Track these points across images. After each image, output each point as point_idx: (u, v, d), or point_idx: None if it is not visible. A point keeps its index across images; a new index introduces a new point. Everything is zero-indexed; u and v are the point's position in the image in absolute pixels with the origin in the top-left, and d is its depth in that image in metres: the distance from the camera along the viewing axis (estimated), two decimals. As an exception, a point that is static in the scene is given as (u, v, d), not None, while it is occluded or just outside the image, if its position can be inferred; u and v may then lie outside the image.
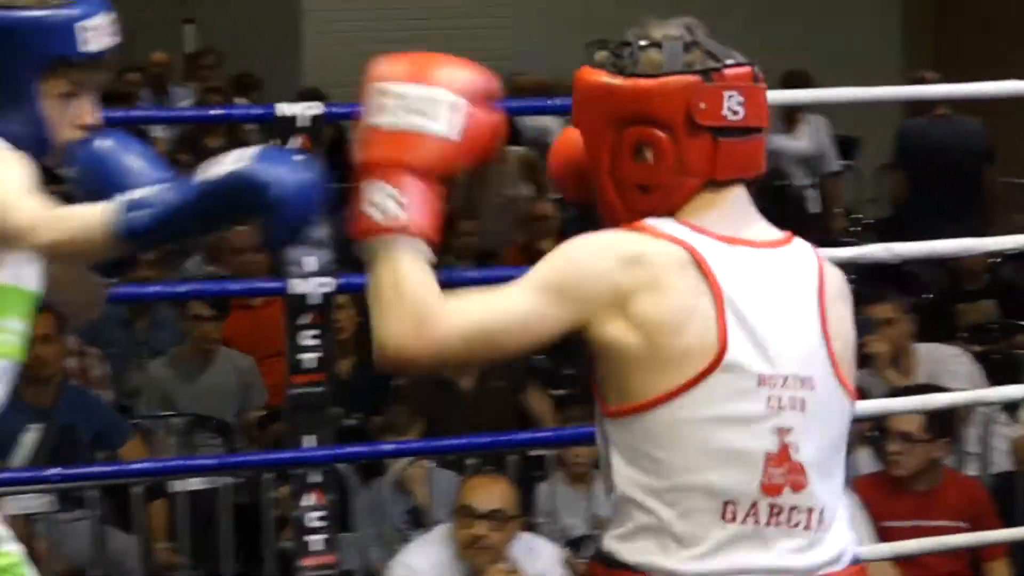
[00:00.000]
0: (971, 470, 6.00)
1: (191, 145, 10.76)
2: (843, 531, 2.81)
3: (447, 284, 2.70)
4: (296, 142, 4.53)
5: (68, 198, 3.31)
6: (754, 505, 2.71)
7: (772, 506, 2.72)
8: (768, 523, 2.72)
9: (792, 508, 2.73)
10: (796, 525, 2.73)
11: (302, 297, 4.52)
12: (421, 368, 2.76)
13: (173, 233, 3.08)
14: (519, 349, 2.74)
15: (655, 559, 2.71)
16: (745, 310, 2.72)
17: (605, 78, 2.78)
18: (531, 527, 5.91)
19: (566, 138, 3.05)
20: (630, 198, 2.79)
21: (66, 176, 3.37)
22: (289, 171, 2.94)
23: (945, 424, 5.67)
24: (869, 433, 6.11)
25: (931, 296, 9.11)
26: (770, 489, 2.71)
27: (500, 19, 14.24)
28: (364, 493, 6.31)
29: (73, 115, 3.30)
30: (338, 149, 9.74)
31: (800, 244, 2.84)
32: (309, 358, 4.62)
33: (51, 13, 3.24)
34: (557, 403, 7.55)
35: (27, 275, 3.30)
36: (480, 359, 2.83)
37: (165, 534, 6.36)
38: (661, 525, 2.71)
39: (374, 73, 2.70)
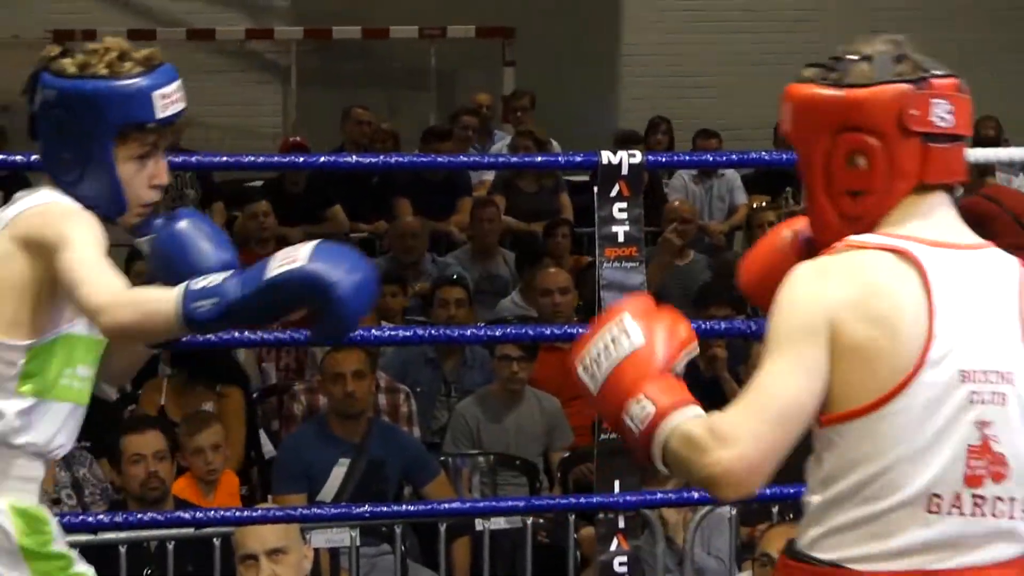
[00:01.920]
0: None
1: (506, 186, 10.89)
2: None
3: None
4: (615, 188, 4.54)
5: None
6: (958, 496, 2.83)
7: (975, 496, 2.83)
8: (973, 514, 2.83)
9: (996, 499, 2.84)
10: (999, 515, 2.85)
11: (622, 343, 4.50)
12: (755, 477, 2.80)
13: (234, 322, 3.22)
14: (815, 405, 2.83)
15: (857, 550, 2.85)
16: (950, 308, 2.83)
17: (818, 90, 2.93)
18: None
19: (760, 246, 3.35)
20: (842, 204, 2.93)
21: (140, 248, 3.53)
22: (350, 271, 3.06)
23: None
24: None
25: None
26: (972, 480, 2.82)
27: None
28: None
29: (147, 175, 3.45)
30: (648, 193, 9.76)
31: (999, 252, 2.95)
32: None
33: (128, 83, 3.40)
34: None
35: None
36: (794, 435, 2.83)
37: (468, 571, 6.41)
38: (867, 520, 2.84)
39: (573, 356, 2.98)
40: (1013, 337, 2.88)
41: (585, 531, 5.74)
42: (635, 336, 2.92)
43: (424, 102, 13.45)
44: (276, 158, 8.88)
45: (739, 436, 2.77)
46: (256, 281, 3.07)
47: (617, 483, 4.62)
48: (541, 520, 6.09)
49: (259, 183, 11.20)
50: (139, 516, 5.25)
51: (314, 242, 3.11)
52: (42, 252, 3.33)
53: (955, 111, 2.92)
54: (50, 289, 3.37)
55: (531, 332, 6.35)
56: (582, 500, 5.19)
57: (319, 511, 5.69)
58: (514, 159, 9.43)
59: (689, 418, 2.82)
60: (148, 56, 3.47)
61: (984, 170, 10.80)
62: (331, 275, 3.05)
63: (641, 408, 2.85)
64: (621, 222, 4.56)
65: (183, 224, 3.50)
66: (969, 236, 2.95)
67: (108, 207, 3.45)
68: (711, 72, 13.88)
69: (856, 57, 2.94)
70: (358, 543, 5.65)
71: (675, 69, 13.90)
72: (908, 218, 2.92)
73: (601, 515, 4.68)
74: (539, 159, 8.14)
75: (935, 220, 2.93)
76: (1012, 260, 2.95)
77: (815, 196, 2.97)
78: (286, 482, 6.70)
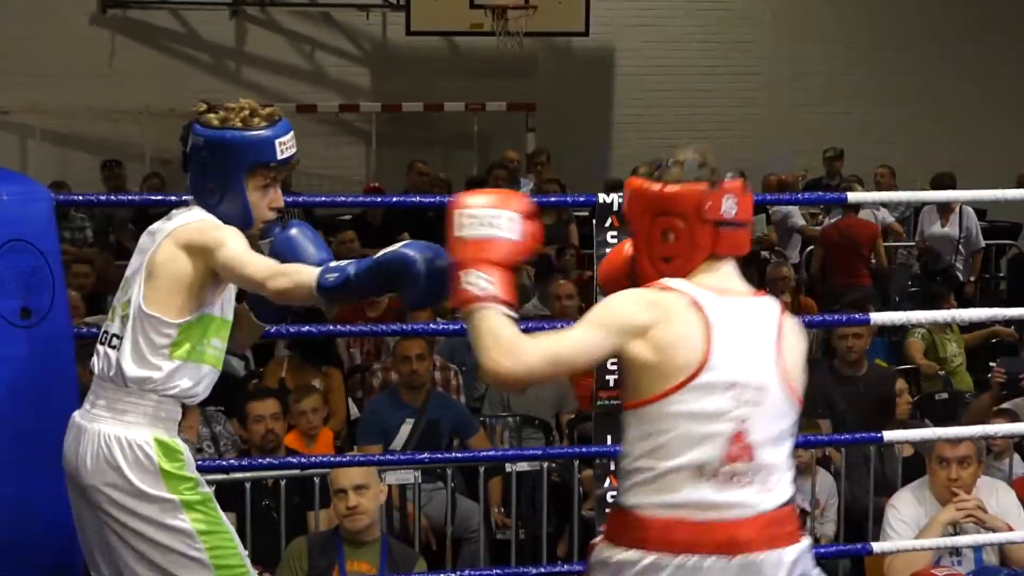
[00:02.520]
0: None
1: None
2: (786, 487, 3.06)
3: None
4: (608, 221, 4.52)
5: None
6: (717, 470, 2.98)
7: (730, 471, 2.99)
8: (728, 481, 2.99)
9: (743, 473, 3.00)
10: (747, 484, 3.00)
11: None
12: (518, 385, 2.95)
13: (353, 292, 3.33)
14: (583, 368, 3.02)
15: (645, 499, 2.98)
16: (724, 336, 2.98)
17: (645, 184, 3.07)
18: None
19: (609, 258, 3.56)
20: (658, 266, 3.07)
21: (262, 247, 3.59)
22: (430, 256, 3.20)
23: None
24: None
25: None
26: (730, 459, 2.98)
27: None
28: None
29: (269, 201, 3.55)
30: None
31: (768, 298, 3.14)
32: (613, 379, 4.59)
33: (257, 133, 3.50)
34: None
35: (228, 309, 3.56)
36: (557, 376, 3.06)
37: (500, 502, 6.40)
38: (654, 479, 2.98)
39: (457, 202, 3.01)
40: (769, 359, 3.03)
41: (586, 473, 5.73)
42: (514, 231, 2.97)
43: (468, 158, 13.45)
44: (360, 198, 8.92)
45: (524, 358, 2.87)
46: (368, 262, 3.23)
47: (609, 437, 4.61)
48: (554, 464, 6.06)
49: (348, 217, 11.21)
50: (259, 461, 5.25)
51: (407, 240, 3.26)
52: (202, 253, 3.41)
53: (739, 204, 3.08)
54: (201, 282, 3.46)
55: (546, 326, 6.35)
56: (583, 449, 5.17)
57: (391, 457, 5.69)
58: (535, 199, 9.44)
59: (506, 314, 2.91)
60: (271, 113, 3.55)
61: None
62: (415, 256, 3.19)
63: (479, 278, 2.92)
64: (612, 246, 4.54)
65: (293, 231, 3.60)
66: (746, 288, 3.10)
67: (239, 223, 3.52)
68: (678, 136, 13.86)
69: (672, 161, 3.09)
70: (420, 481, 5.65)
71: (652, 133, 13.87)
72: (702, 275, 3.06)
73: (598, 461, 4.66)
74: (553, 199, 8.11)
75: (720, 276, 3.08)
76: (774, 304, 3.11)
77: (639, 257, 3.11)
78: (367, 436, 6.68)
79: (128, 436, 3.45)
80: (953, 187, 10.29)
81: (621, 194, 4.56)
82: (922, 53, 14.30)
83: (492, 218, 2.98)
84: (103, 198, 8.05)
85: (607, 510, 4.54)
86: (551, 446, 6.88)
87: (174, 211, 3.57)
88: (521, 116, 13.47)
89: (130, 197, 6.96)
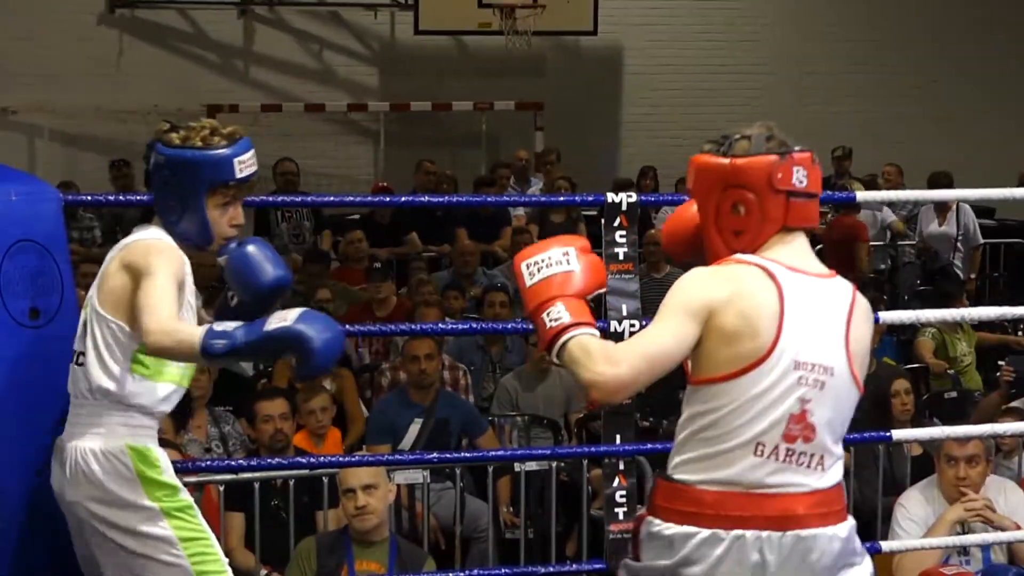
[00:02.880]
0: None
1: (540, 217, 10.89)
2: (839, 469, 3.09)
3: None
4: (617, 220, 4.52)
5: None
6: (776, 448, 3.00)
7: (788, 450, 3.01)
8: (785, 460, 3.01)
9: (801, 453, 3.02)
10: (804, 465, 3.02)
11: (619, 334, 4.47)
12: (624, 391, 2.97)
13: (240, 358, 3.58)
14: (680, 358, 3.00)
15: (702, 475, 3.01)
16: (796, 314, 2.98)
17: (712, 159, 3.11)
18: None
19: (674, 217, 3.50)
20: (728, 241, 3.07)
21: (220, 264, 3.68)
22: (322, 331, 3.23)
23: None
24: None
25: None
26: (789, 438, 3.00)
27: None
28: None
29: (229, 218, 3.59)
30: (640, 223, 9.67)
31: (842, 280, 3.11)
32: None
33: (216, 152, 3.52)
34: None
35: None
36: (657, 375, 2.99)
37: (509, 502, 6.40)
38: (714, 455, 3.01)
39: (518, 256, 3.16)
40: (838, 342, 3.03)
41: (595, 472, 5.71)
42: (573, 264, 3.09)
43: (477, 157, 13.45)
44: (369, 198, 8.92)
45: (621, 361, 2.91)
46: (257, 333, 3.24)
47: (618, 436, 4.60)
48: (562, 464, 6.06)
49: (356, 216, 11.21)
50: (268, 461, 5.25)
51: (300, 309, 3.29)
52: (135, 275, 3.42)
53: (809, 176, 3.09)
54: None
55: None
56: (592, 449, 5.17)
57: (400, 457, 5.68)
58: (542, 199, 9.45)
59: (590, 334, 2.98)
60: (231, 132, 3.60)
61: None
62: (308, 333, 3.22)
63: (557, 311, 3.01)
64: (621, 245, 4.53)
65: (250, 247, 3.65)
66: (819, 266, 3.10)
67: (199, 240, 3.59)
68: (685, 135, 13.87)
69: (739, 136, 3.12)
70: (428, 481, 5.64)
71: (660, 132, 13.87)
72: (775, 249, 3.06)
73: (606, 460, 4.65)
74: (562, 198, 8.12)
75: (793, 252, 3.07)
76: (848, 287, 3.10)
77: (709, 233, 3.11)
78: (376, 436, 6.68)
79: (103, 447, 3.50)
80: (950, 186, 10.29)
81: (629, 193, 4.58)
82: (923, 53, 14.30)
83: (547, 260, 3.09)
84: (111, 198, 8.05)
85: (617, 510, 4.56)
86: (560, 445, 6.88)
87: (136, 227, 3.61)
88: (530, 115, 13.46)
89: (138, 197, 6.94)
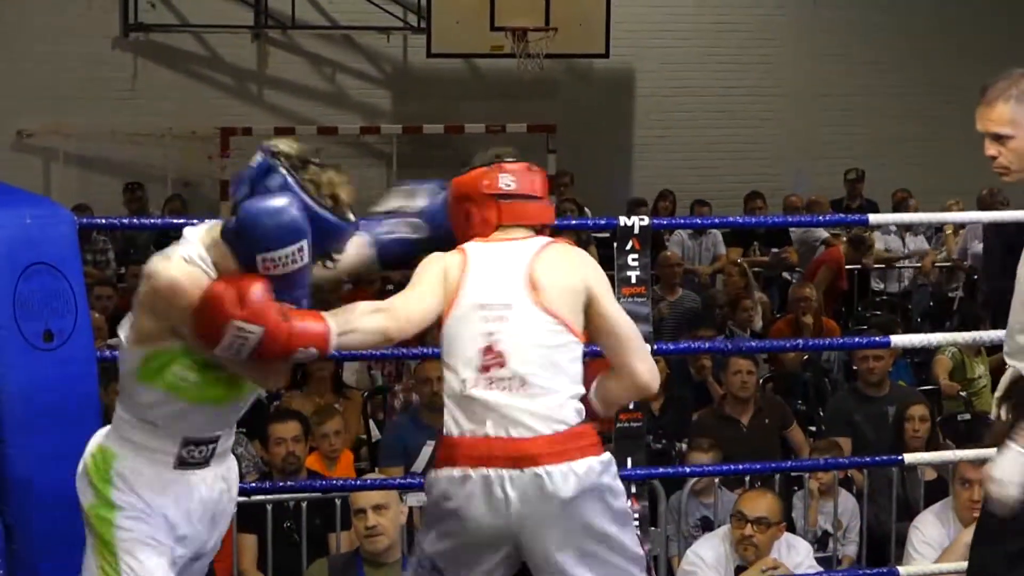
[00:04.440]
0: None
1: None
2: (570, 411, 3.45)
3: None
4: (630, 243, 4.51)
5: None
6: (477, 379, 3.45)
7: (488, 377, 3.44)
8: (488, 388, 3.44)
9: (499, 378, 3.43)
10: (506, 388, 3.42)
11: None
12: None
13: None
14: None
15: (451, 424, 3.51)
16: (475, 268, 3.52)
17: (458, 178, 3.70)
18: (791, 528, 5.80)
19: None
20: (464, 234, 3.64)
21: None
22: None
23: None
24: None
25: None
26: (484, 368, 3.44)
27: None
28: (669, 500, 6.24)
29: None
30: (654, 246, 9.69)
31: (539, 238, 3.61)
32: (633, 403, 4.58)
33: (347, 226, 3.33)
34: (811, 436, 7.45)
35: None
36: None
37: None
38: (453, 401, 3.51)
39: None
40: (518, 283, 3.47)
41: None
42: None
43: (490, 179, 13.45)
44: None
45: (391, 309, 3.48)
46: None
47: (629, 460, 4.61)
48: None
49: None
50: (281, 483, 5.25)
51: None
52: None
53: (519, 181, 3.61)
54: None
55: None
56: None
57: (411, 480, 5.68)
58: (556, 223, 9.41)
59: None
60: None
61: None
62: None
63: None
64: (634, 268, 4.54)
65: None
66: (519, 234, 3.59)
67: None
68: (698, 156, 13.91)
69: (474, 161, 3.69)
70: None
71: (673, 154, 13.90)
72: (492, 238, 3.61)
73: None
74: (574, 222, 8.12)
75: (503, 234, 3.60)
76: (540, 240, 3.59)
77: (457, 232, 3.65)
78: (388, 458, 6.69)
79: (90, 446, 3.43)
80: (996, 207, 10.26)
81: (642, 216, 4.60)
82: (942, 73, 14.28)
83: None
84: (125, 221, 8.08)
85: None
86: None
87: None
88: (542, 138, 13.47)
89: (152, 220, 6.99)
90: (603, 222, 4.86)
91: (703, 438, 6.71)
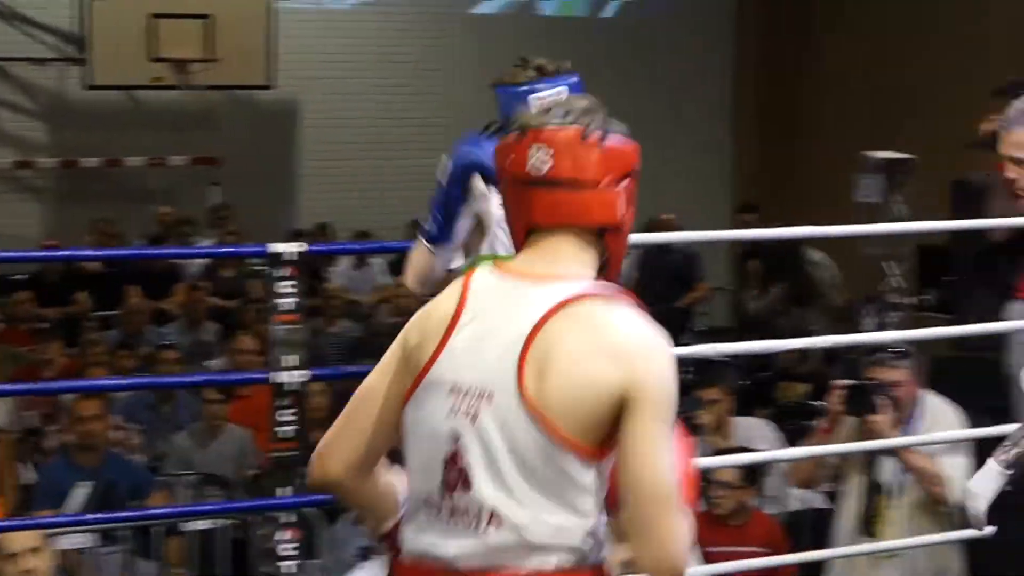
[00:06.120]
0: (771, 510, 5.98)
1: (209, 273, 10.81)
2: (547, 556, 2.22)
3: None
4: (285, 271, 4.50)
5: None
6: (440, 499, 2.27)
7: (449, 502, 2.26)
8: (449, 518, 2.26)
9: (465, 507, 2.24)
10: (465, 525, 2.25)
11: (281, 385, 4.48)
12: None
13: None
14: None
15: (403, 539, 2.36)
16: (469, 324, 2.26)
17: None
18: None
19: None
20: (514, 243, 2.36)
21: None
22: None
23: (753, 475, 5.65)
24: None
25: (752, 379, 9.00)
26: (448, 486, 2.25)
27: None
28: (328, 530, 6.25)
29: None
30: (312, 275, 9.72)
31: (567, 284, 2.25)
32: (286, 431, 4.56)
33: None
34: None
35: None
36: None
37: (180, 563, 6.30)
38: (409, 512, 2.35)
39: None
40: (509, 357, 2.21)
41: (267, 529, 5.68)
42: None
43: (150, 213, 13.18)
44: (28, 253, 8.74)
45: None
46: None
47: (285, 490, 4.59)
48: (236, 522, 6.00)
49: (24, 276, 10.93)
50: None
51: None
52: None
53: (557, 158, 2.29)
54: None
55: (230, 379, 6.33)
56: (255, 503, 5.14)
57: (62, 519, 5.55)
58: (207, 250, 9.34)
59: None
60: None
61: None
62: None
63: None
64: (288, 296, 4.53)
65: None
66: (550, 269, 2.28)
67: None
68: (366, 188, 14.00)
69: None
70: (97, 545, 5.52)
71: (340, 185, 13.94)
72: (520, 257, 2.35)
73: (272, 514, 4.64)
74: (223, 250, 8.08)
75: (532, 257, 2.32)
76: (561, 292, 2.23)
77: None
78: (42, 500, 6.49)
79: None
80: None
81: (297, 244, 4.56)
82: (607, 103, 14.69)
83: None
84: None
85: (282, 563, 4.54)
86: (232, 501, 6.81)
87: None
88: (205, 170, 13.34)
89: None
90: (253, 249, 4.84)
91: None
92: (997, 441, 5.35)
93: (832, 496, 5.58)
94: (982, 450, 5.11)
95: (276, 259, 4.51)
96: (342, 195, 13.82)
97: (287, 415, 4.52)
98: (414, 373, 2.29)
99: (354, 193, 13.88)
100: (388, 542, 2.40)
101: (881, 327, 7.66)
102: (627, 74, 14.11)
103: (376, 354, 6.53)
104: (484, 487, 2.21)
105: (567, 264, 2.28)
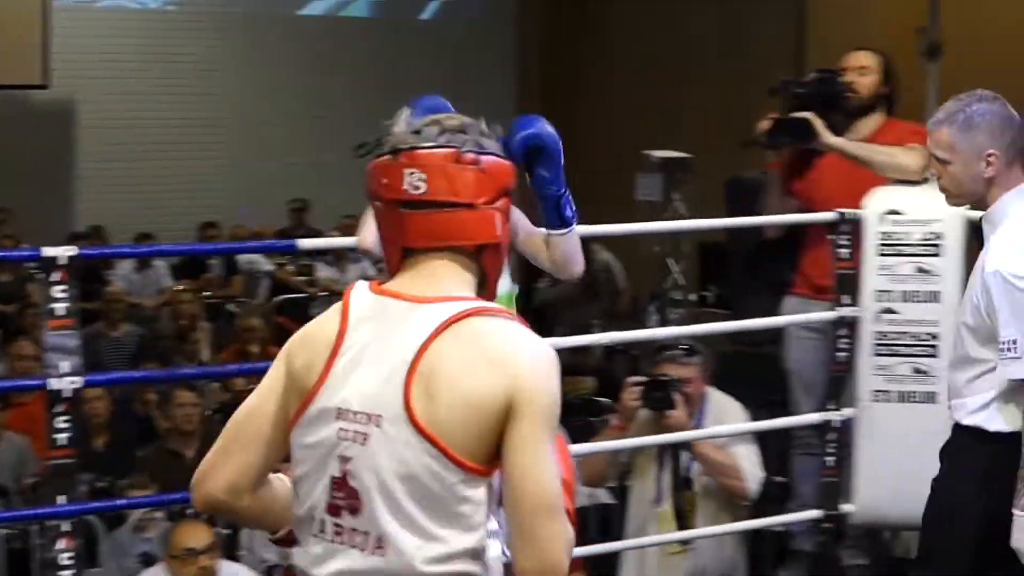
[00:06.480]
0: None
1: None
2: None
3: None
4: (57, 275, 4.39)
5: None
6: (323, 522, 2.28)
7: (336, 525, 2.26)
8: (333, 540, 2.27)
9: (352, 530, 2.24)
10: (356, 546, 2.25)
11: (58, 392, 4.37)
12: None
13: None
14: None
15: (296, 558, 2.36)
16: (353, 347, 2.26)
17: None
18: (236, 558, 5.79)
19: None
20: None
21: None
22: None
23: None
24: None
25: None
26: (333, 510, 2.25)
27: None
28: (109, 537, 6.11)
29: None
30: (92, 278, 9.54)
31: (444, 304, 2.23)
32: (62, 437, 4.44)
33: None
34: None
35: None
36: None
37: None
38: (299, 531, 2.35)
39: None
40: (395, 382, 2.21)
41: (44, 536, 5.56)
42: None
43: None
44: None
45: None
46: None
47: (62, 498, 4.49)
48: (13, 531, 5.85)
49: None
50: None
51: None
52: None
53: (431, 180, 2.27)
54: None
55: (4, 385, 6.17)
56: (31, 512, 5.02)
57: None
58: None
59: None
60: None
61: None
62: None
63: None
64: (61, 300, 4.42)
65: None
66: (431, 290, 2.26)
67: None
68: (146, 189, 13.79)
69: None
70: None
71: (119, 186, 13.71)
72: (397, 278, 2.33)
73: (50, 523, 4.53)
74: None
75: (409, 278, 2.30)
76: (444, 312, 2.22)
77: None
78: None
79: None
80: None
81: (68, 248, 4.45)
82: (370, 105, 14.59)
83: None
84: None
85: (61, 573, 4.43)
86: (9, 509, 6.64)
87: None
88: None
89: None
90: (26, 253, 4.71)
91: (144, 474, 6.62)
92: (777, 434, 5.58)
93: (619, 492, 5.64)
94: (763, 444, 5.26)
95: (49, 263, 4.41)
96: (123, 197, 13.59)
97: (62, 422, 4.42)
98: (301, 395, 2.29)
99: (135, 195, 13.65)
100: (285, 546, 2.41)
101: (664, 323, 7.82)
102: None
103: (159, 357, 6.48)
104: (373, 512, 2.22)
105: (447, 284, 2.27)
